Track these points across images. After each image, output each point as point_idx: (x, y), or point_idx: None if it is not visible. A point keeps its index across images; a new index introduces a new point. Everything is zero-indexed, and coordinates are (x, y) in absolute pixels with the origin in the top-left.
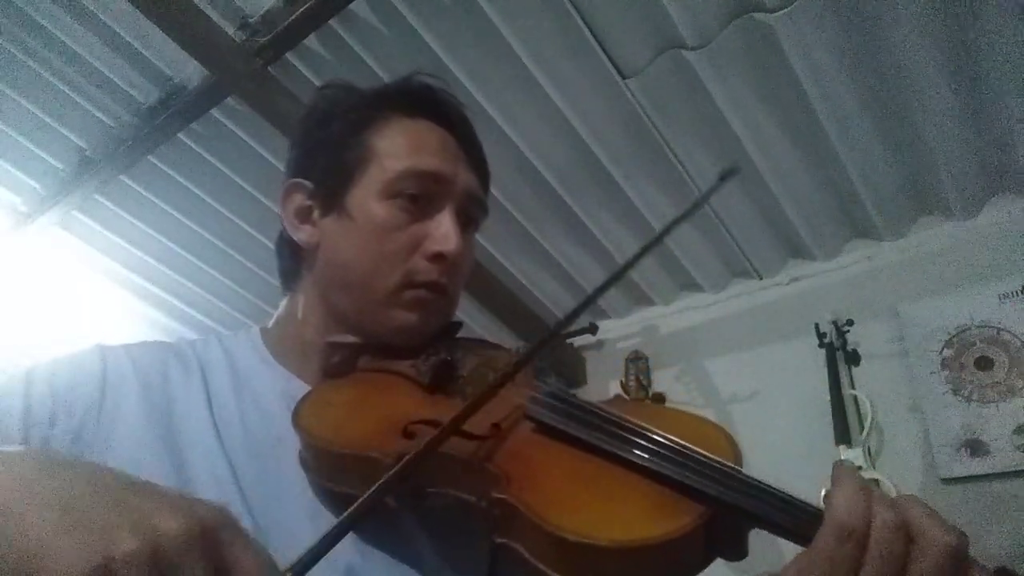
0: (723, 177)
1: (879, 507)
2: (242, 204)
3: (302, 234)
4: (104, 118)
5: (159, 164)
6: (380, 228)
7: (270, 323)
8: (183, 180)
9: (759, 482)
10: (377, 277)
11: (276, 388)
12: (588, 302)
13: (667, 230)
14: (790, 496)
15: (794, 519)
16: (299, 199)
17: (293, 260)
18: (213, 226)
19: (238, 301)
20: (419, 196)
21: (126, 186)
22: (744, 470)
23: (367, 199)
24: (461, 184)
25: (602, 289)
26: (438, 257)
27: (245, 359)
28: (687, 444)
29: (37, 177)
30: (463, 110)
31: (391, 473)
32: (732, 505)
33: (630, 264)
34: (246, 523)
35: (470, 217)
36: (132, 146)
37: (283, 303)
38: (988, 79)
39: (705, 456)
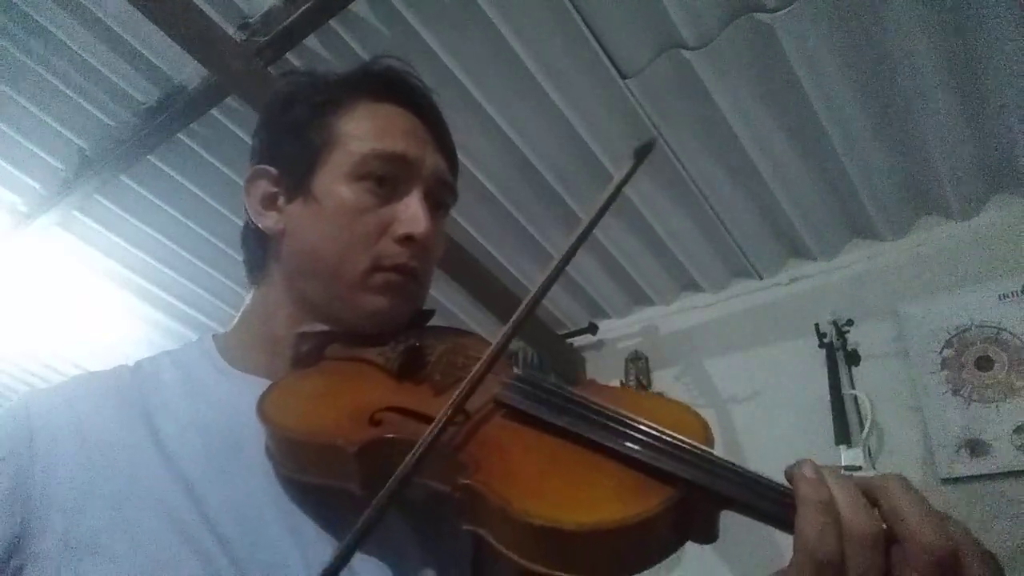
0: (639, 155)
1: (852, 521)
2: (242, 204)
3: (268, 221)
4: (104, 118)
5: (159, 164)
6: (348, 211)
7: (232, 324)
8: (183, 180)
9: (728, 463)
10: (346, 261)
11: (238, 394)
12: (557, 273)
13: (595, 220)
14: (759, 476)
15: (763, 499)
16: (264, 185)
17: (259, 250)
18: (213, 226)
19: (238, 301)
20: (386, 179)
21: (126, 186)
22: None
23: (334, 182)
24: (429, 167)
25: (555, 274)
26: (407, 239)
27: (198, 370)
28: (656, 425)
29: (37, 177)
30: (430, 94)
31: (400, 474)
32: (701, 486)
33: (577, 247)
34: (208, 537)
35: (439, 201)
36: (132, 146)
37: (248, 298)
38: (988, 79)
39: (674, 437)
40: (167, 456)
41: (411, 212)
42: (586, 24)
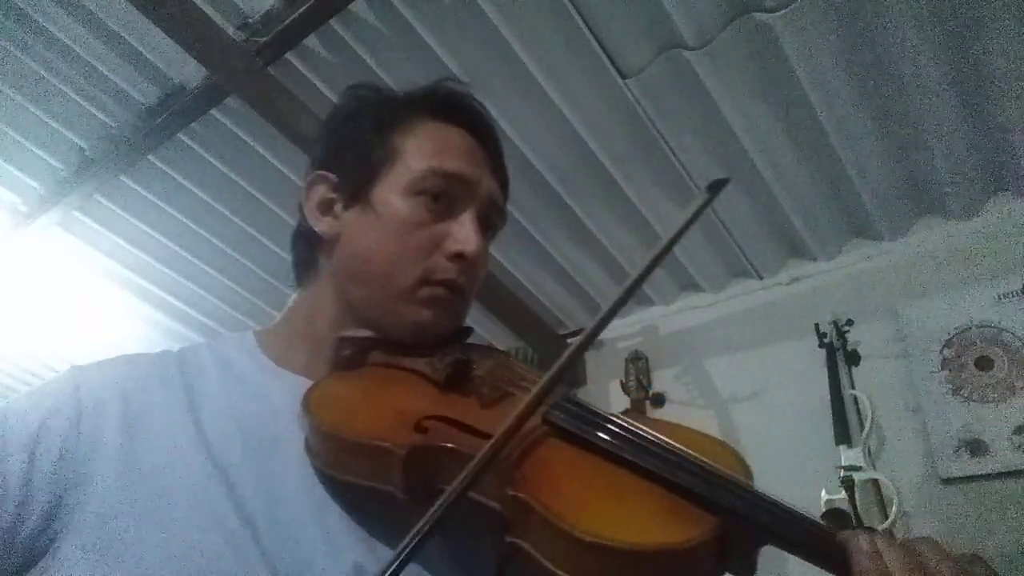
0: (713, 189)
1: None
2: (242, 204)
3: (323, 225)
4: (104, 118)
5: (159, 164)
6: (403, 224)
7: (274, 322)
8: (183, 180)
9: (773, 498)
10: (396, 272)
11: (277, 389)
12: (636, 285)
13: (672, 242)
14: (802, 514)
15: (806, 535)
16: (323, 191)
17: (310, 252)
18: (213, 226)
19: (238, 301)
20: (442, 196)
21: (126, 186)
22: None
23: (391, 195)
24: (484, 189)
25: (634, 288)
26: (458, 256)
27: (239, 364)
28: (703, 457)
29: (37, 177)
30: (489, 119)
31: (456, 487)
32: (746, 517)
33: (644, 277)
34: (239, 526)
35: (489, 223)
36: (132, 146)
37: (293, 298)
38: (988, 79)
39: (721, 470)
40: (207, 443)
41: (465, 230)
42: (586, 24)
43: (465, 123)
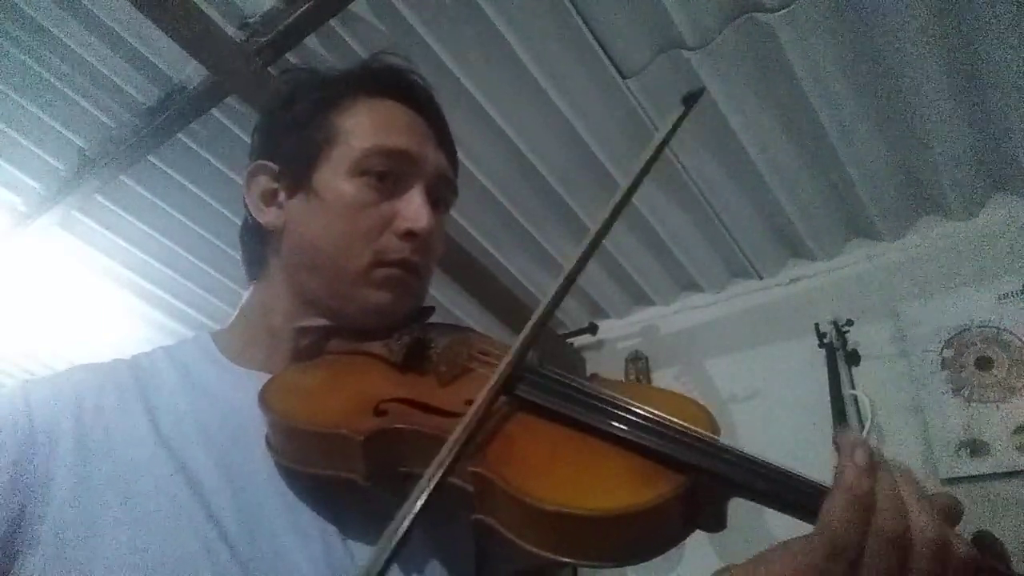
0: (687, 102)
1: (881, 515)
2: (241, 200)
3: (268, 216)
4: (104, 118)
5: (159, 164)
6: (349, 206)
7: (230, 321)
8: (183, 180)
9: (735, 450)
10: (347, 256)
11: (237, 388)
12: (588, 255)
13: (640, 176)
14: (766, 462)
15: (770, 484)
16: (264, 181)
17: (258, 246)
18: (213, 226)
19: (238, 301)
20: (388, 174)
21: (126, 186)
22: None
23: (335, 178)
24: (431, 163)
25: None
26: (409, 235)
27: (196, 366)
28: (665, 415)
29: (37, 177)
30: (430, 90)
31: (433, 473)
32: (711, 472)
33: (605, 231)
34: (210, 528)
35: (440, 197)
36: (132, 146)
37: (246, 295)
38: (988, 79)
39: (683, 426)
40: (169, 448)
41: (413, 207)
42: (586, 24)
43: (405, 97)
